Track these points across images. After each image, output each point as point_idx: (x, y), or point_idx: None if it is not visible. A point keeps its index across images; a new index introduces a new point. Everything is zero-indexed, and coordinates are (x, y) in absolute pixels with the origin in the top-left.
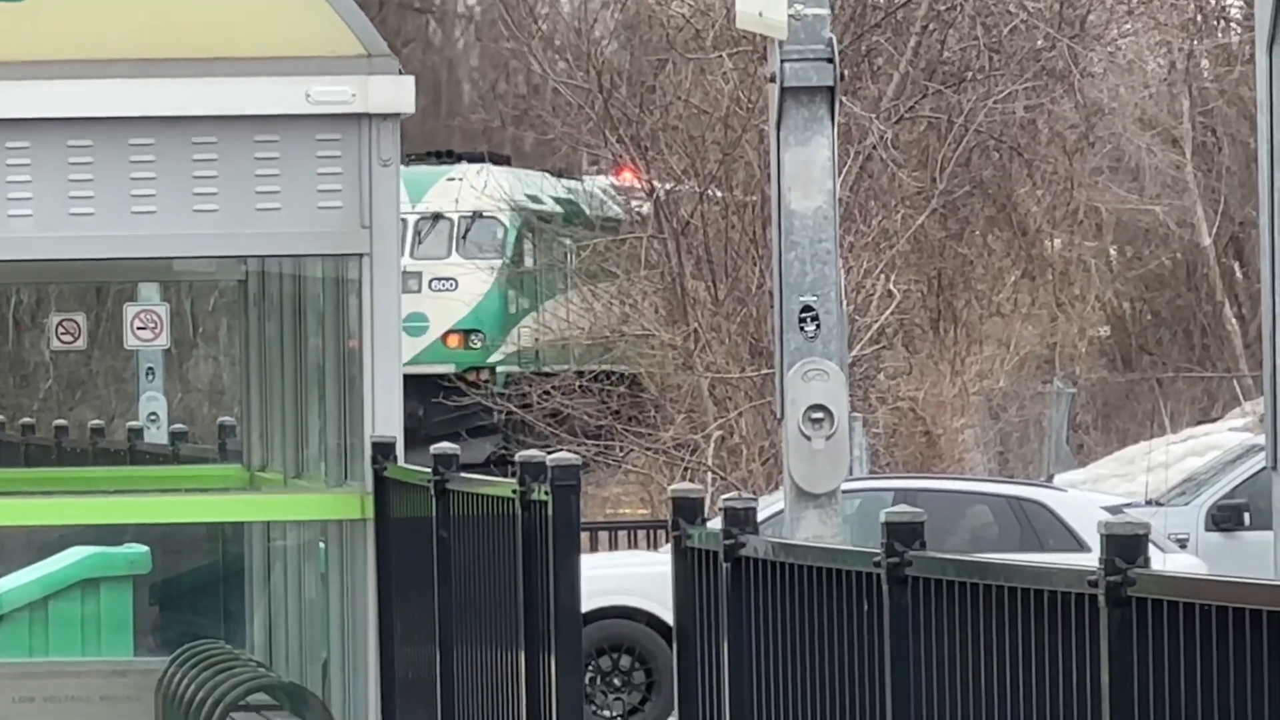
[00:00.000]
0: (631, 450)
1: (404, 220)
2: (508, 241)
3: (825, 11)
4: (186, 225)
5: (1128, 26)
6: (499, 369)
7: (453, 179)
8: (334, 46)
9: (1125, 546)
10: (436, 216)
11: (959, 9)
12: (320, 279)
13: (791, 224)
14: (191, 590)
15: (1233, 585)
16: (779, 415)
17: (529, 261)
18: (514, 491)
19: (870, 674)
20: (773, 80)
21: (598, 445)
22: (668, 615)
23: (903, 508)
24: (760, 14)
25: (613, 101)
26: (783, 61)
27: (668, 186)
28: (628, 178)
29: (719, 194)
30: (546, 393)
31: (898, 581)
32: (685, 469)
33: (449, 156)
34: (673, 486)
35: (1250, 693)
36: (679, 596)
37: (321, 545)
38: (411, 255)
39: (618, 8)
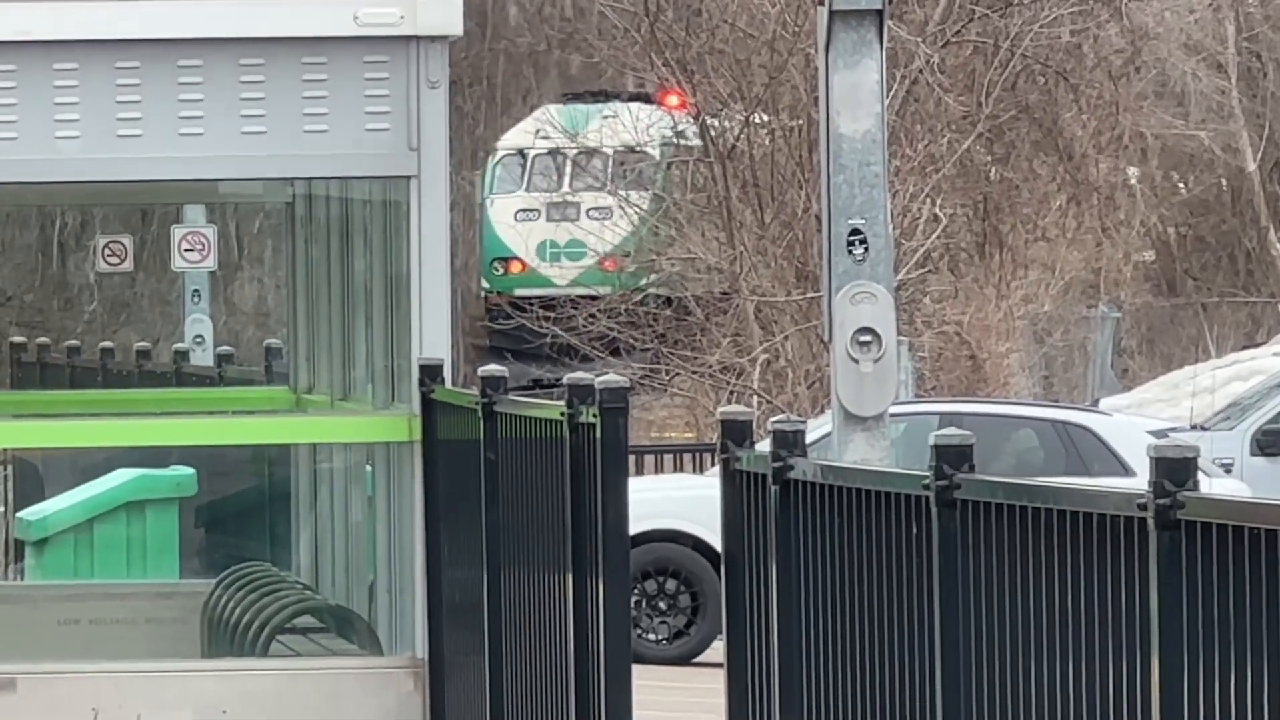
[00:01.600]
0: (678, 374)
1: (564, 154)
2: (657, 175)
3: None
4: (234, 147)
5: None
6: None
7: (608, 115)
8: None
9: (1174, 469)
10: (594, 151)
11: None
12: (368, 201)
13: (840, 147)
14: (237, 513)
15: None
16: (826, 338)
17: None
18: (562, 414)
19: (918, 597)
20: (821, 3)
21: (644, 368)
22: (714, 539)
23: (951, 430)
24: None
25: (658, 25)
26: None
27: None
28: (673, 101)
29: (765, 118)
30: (593, 315)
31: (946, 504)
32: (731, 393)
33: (604, 96)
34: (721, 409)
35: None
36: (727, 519)
37: (369, 468)
38: (569, 186)
39: None
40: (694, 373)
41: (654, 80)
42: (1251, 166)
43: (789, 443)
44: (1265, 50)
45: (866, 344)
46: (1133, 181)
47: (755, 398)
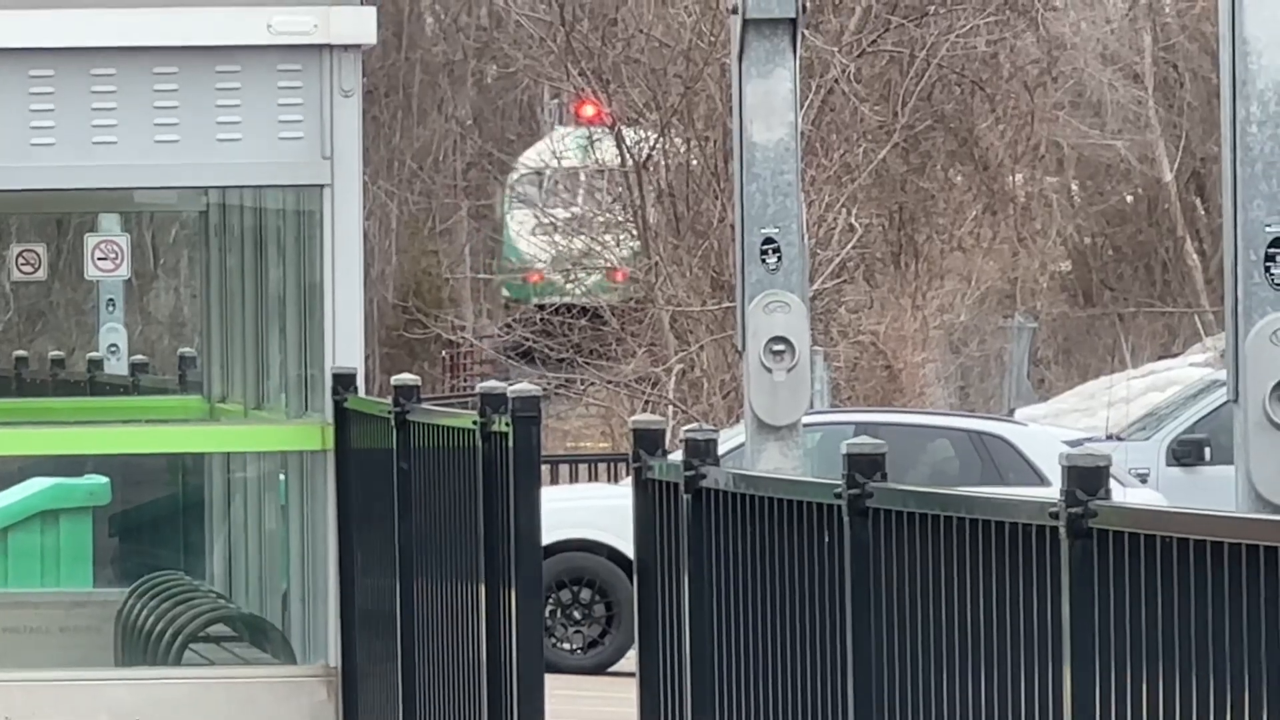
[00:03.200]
0: (592, 384)
1: (578, 170)
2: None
3: None
4: (147, 156)
5: None
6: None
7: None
8: None
9: (1086, 478)
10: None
11: None
12: (281, 210)
13: (753, 156)
14: (151, 522)
15: (1192, 517)
16: (740, 347)
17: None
18: (475, 423)
19: (831, 606)
20: (735, 12)
21: (559, 378)
22: (628, 548)
23: (864, 439)
24: None
25: (574, 34)
26: None
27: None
28: (589, 111)
29: (681, 127)
30: (508, 325)
31: (859, 513)
32: (646, 402)
33: None
34: (634, 418)
35: (1210, 624)
36: (639, 529)
37: (281, 477)
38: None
39: None
40: (609, 383)
41: (569, 90)
42: (1168, 177)
43: (701, 452)
44: (1182, 61)
45: (780, 353)
46: (1049, 192)
47: (670, 407)
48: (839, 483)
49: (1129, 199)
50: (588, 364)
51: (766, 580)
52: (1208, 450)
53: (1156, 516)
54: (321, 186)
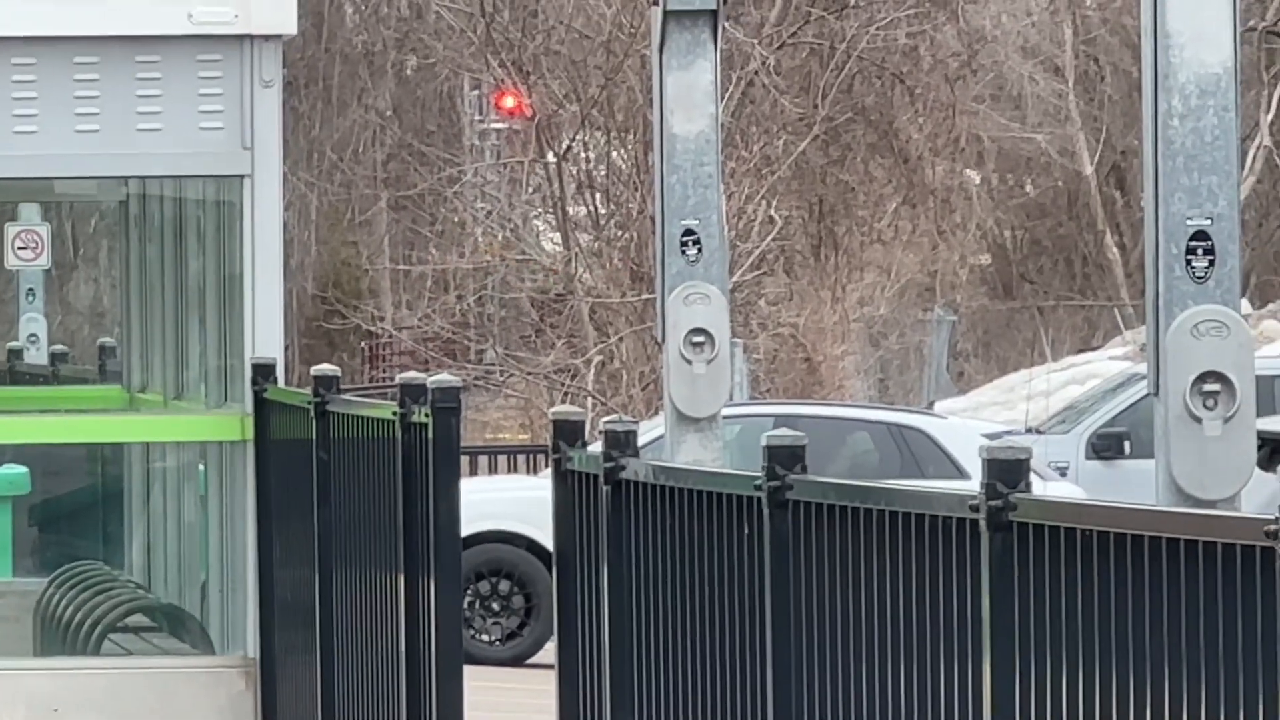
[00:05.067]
0: (511, 375)
1: None
2: None
3: None
4: (67, 145)
5: None
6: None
7: None
8: None
9: (1006, 471)
10: None
11: None
12: (201, 200)
13: (674, 147)
14: (71, 512)
15: (1112, 510)
16: (660, 339)
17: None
18: (394, 414)
19: (751, 598)
20: (656, 3)
21: (479, 369)
22: (547, 540)
23: (784, 431)
24: None
25: (494, 26)
26: None
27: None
28: (509, 102)
29: (601, 119)
30: (428, 316)
31: (779, 505)
32: (565, 394)
33: None
34: (553, 409)
35: (1130, 617)
36: (559, 520)
37: (201, 467)
38: None
39: None
40: (528, 374)
41: (490, 82)
42: (1088, 170)
43: (621, 443)
44: (1103, 54)
45: (700, 345)
46: (969, 185)
47: (589, 399)
48: (759, 475)
49: (1049, 192)
50: (507, 355)
51: (686, 572)
52: (1127, 444)
53: (1077, 509)
54: (242, 177)
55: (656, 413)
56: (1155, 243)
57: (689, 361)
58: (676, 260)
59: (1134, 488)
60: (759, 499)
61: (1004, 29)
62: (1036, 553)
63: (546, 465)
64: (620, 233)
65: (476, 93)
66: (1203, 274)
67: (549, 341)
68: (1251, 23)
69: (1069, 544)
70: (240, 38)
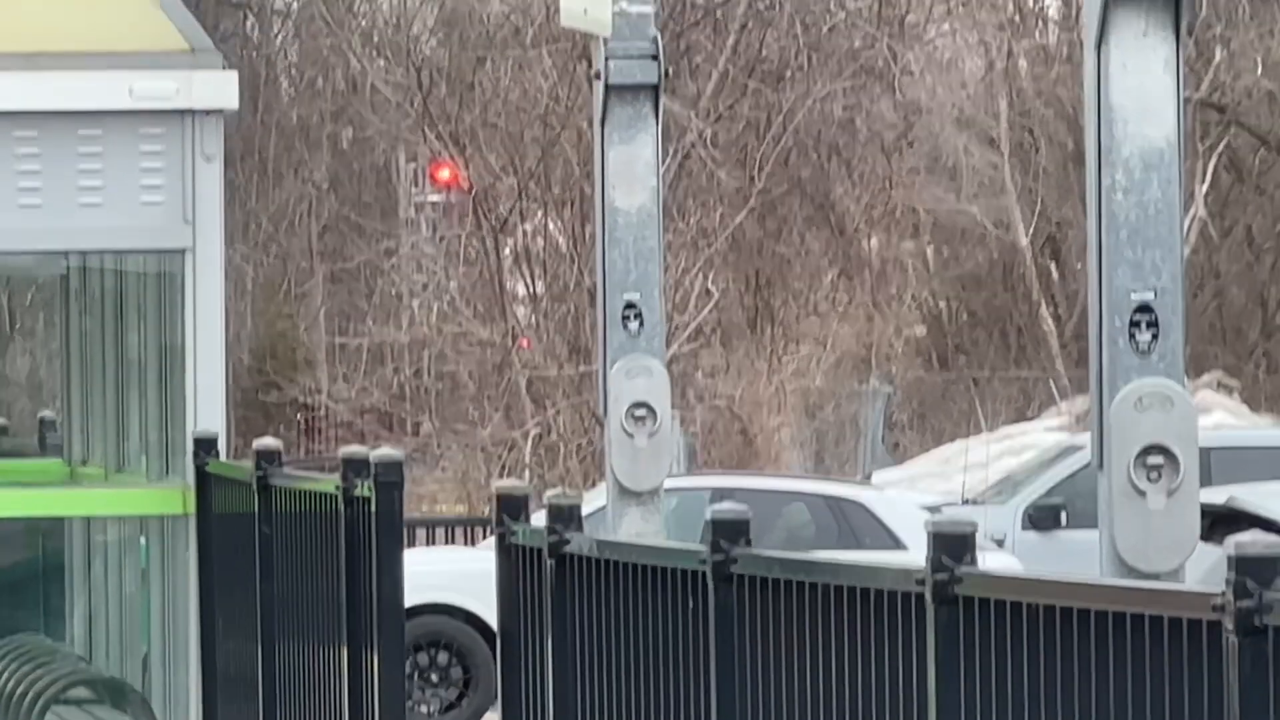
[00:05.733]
0: (449, 448)
1: None
2: None
3: (650, 9)
4: (9, 219)
5: (946, 26)
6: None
7: None
8: (158, 41)
9: (952, 545)
10: None
11: (778, 7)
12: (142, 274)
13: (615, 221)
14: (10, 584)
15: (1059, 584)
16: (602, 412)
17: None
18: (337, 487)
19: (696, 672)
20: (597, 77)
21: (416, 441)
22: (485, 612)
23: (728, 505)
24: (585, 11)
25: (431, 99)
26: (607, 59)
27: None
28: (444, 174)
29: (538, 191)
30: (365, 389)
31: (723, 579)
32: (503, 466)
33: None
34: (497, 483)
35: (1077, 691)
36: (503, 594)
37: (142, 541)
38: None
39: (436, 4)
40: (466, 446)
41: (425, 154)
42: (1023, 241)
43: (565, 517)
44: (1038, 125)
45: (641, 419)
46: (905, 256)
47: (527, 471)
48: (703, 549)
49: (984, 263)
50: (445, 427)
51: (631, 647)
52: (1063, 515)
53: (1023, 584)
54: (183, 251)
55: (594, 485)
56: (1099, 315)
57: (630, 435)
58: (618, 334)
59: (1071, 559)
60: (704, 573)
61: (939, 101)
62: (983, 627)
63: (484, 537)
64: (557, 305)
65: (413, 165)
66: (1146, 347)
67: (486, 414)
68: (1186, 94)
69: (1015, 618)
70: (182, 112)
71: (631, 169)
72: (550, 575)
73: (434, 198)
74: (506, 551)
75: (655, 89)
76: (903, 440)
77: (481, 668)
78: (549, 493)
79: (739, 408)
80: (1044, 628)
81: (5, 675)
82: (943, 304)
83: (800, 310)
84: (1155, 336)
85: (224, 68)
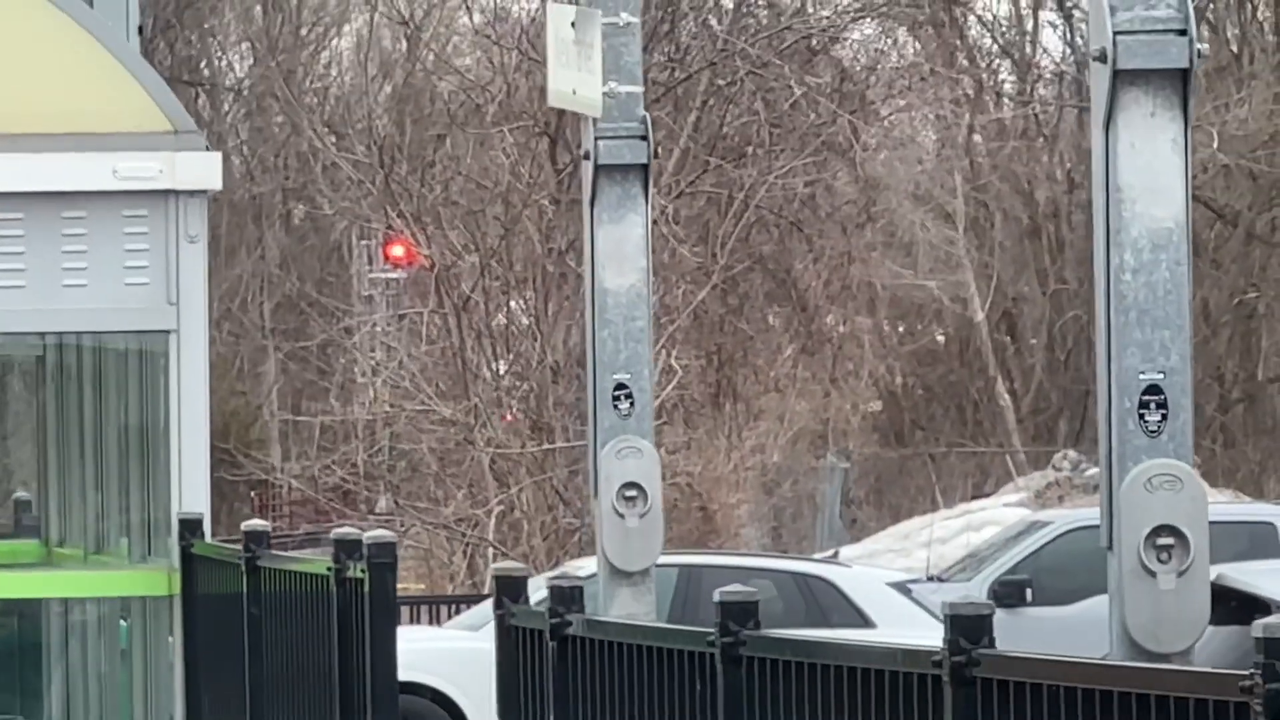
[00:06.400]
0: (413, 525)
1: None
2: None
3: (639, 89)
4: None
5: (903, 102)
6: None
7: None
8: (141, 122)
9: (969, 627)
10: None
11: (739, 84)
12: (123, 353)
13: (605, 301)
14: None
15: (1075, 666)
16: (593, 493)
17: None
18: (329, 569)
19: None
20: (586, 157)
21: (376, 520)
22: (452, 691)
23: (736, 587)
24: (574, 92)
25: (393, 176)
26: (597, 139)
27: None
28: (398, 251)
29: (499, 269)
30: (328, 467)
31: (732, 661)
32: (466, 544)
33: None
34: (495, 565)
35: None
36: (502, 675)
37: (124, 623)
38: None
39: (387, 82)
40: (428, 524)
41: (381, 231)
42: (980, 316)
43: (567, 598)
44: (993, 200)
45: (632, 499)
46: (861, 332)
47: (490, 549)
48: (711, 631)
49: (940, 339)
50: (408, 505)
51: None
52: (1029, 591)
53: (1040, 665)
54: (168, 332)
55: (557, 563)
56: (1108, 396)
57: (622, 515)
58: (608, 414)
59: (1035, 635)
60: (712, 655)
61: (896, 176)
62: (1001, 708)
63: (450, 616)
64: (519, 383)
65: (365, 243)
66: (1155, 428)
67: (449, 492)
68: None
69: (1035, 701)
70: (165, 193)
71: (621, 249)
72: (552, 656)
73: (389, 275)
74: (507, 633)
75: (645, 169)
76: (860, 515)
77: None
78: (550, 575)
79: (699, 485)
80: (1065, 711)
81: None
82: (899, 380)
83: (760, 386)
84: (1164, 417)
85: (207, 149)
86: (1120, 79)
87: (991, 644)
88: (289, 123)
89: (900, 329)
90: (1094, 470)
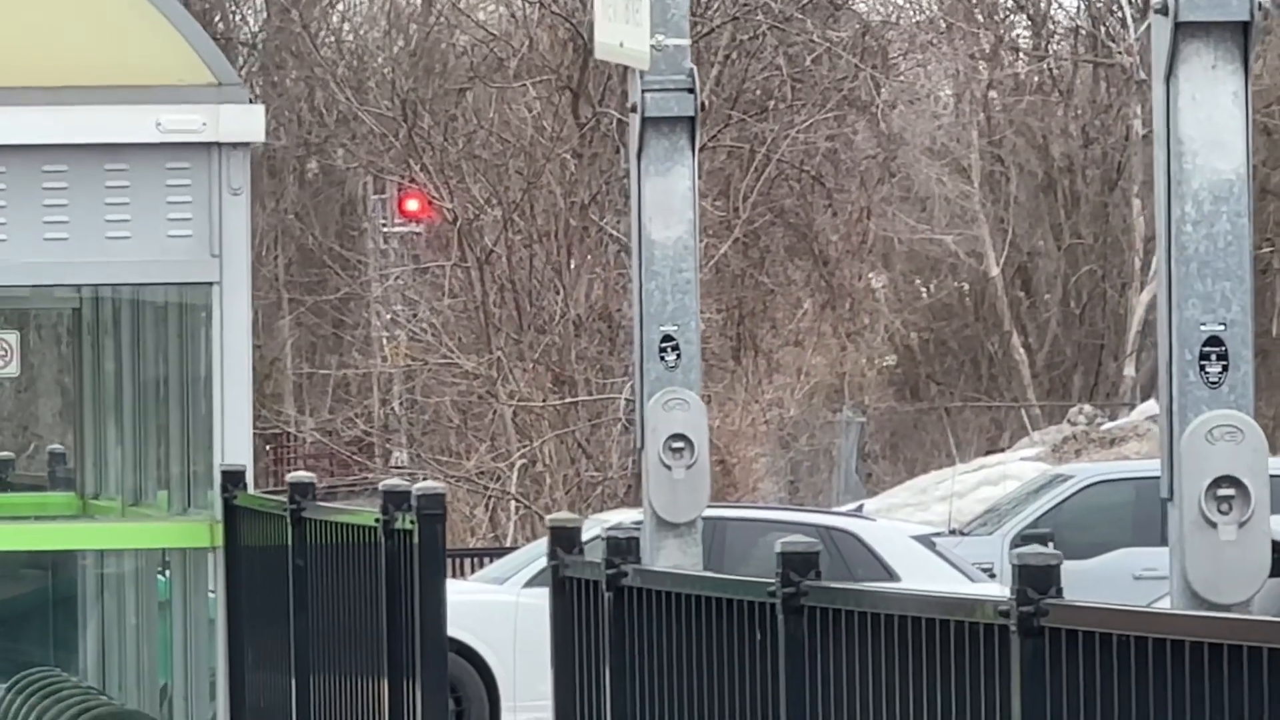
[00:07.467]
0: (433, 479)
1: None
2: None
3: (686, 42)
4: (36, 254)
5: (921, 55)
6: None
7: None
8: (184, 75)
9: (1037, 577)
10: None
11: (761, 39)
12: (163, 305)
13: (652, 254)
14: (24, 617)
15: (1142, 616)
16: (639, 445)
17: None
18: (377, 520)
19: (764, 707)
20: (634, 110)
21: (397, 473)
22: (476, 643)
23: (797, 538)
24: (621, 44)
25: (416, 130)
26: (644, 92)
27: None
28: (413, 205)
29: (521, 223)
30: (350, 419)
31: (794, 611)
32: (488, 497)
33: None
34: (550, 516)
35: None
36: (557, 627)
37: (165, 575)
38: None
39: (400, 36)
40: (450, 477)
41: (394, 185)
42: (995, 271)
43: (622, 549)
44: (1008, 155)
45: (679, 450)
46: (877, 285)
47: (513, 503)
48: (772, 581)
49: (955, 293)
50: (430, 459)
51: (694, 680)
52: (1051, 545)
53: (1108, 615)
54: (210, 284)
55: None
56: (1169, 348)
57: (668, 467)
58: (655, 366)
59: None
60: (773, 605)
61: (911, 131)
62: (1070, 658)
63: (473, 569)
64: (541, 336)
65: (379, 197)
66: (1216, 379)
67: (471, 445)
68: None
69: (1104, 649)
70: (208, 145)
71: (668, 201)
72: (608, 608)
73: (405, 228)
74: (560, 585)
75: (691, 121)
76: (875, 470)
77: (473, 701)
78: (606, 527)
79: (718, 438)
80: (1135, 657)
81: (26, 710)
82: (915, 335)
83: (780, 341)
84: (1225, 369)
85: (250, 102)
86: (1181, 31)
87: (1059, 594)
88: (303, 78)
89: (916, 283)
90: (1110, 424)
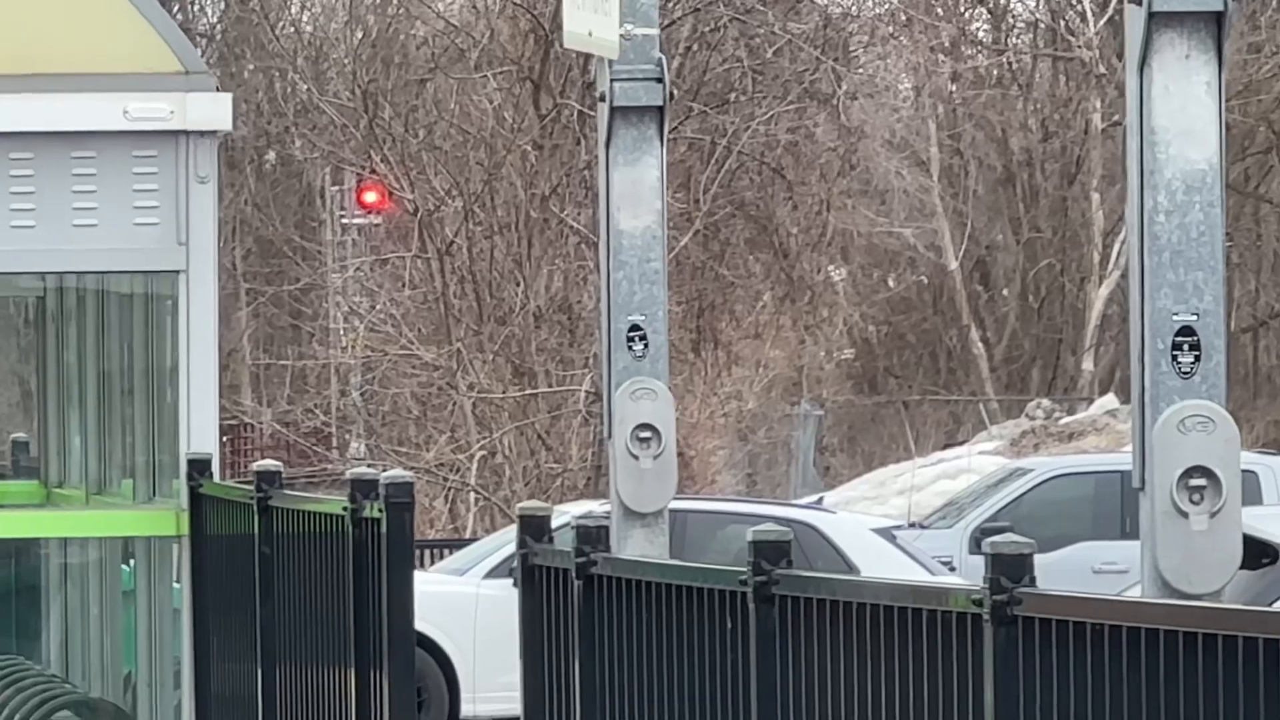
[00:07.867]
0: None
1: None
2: None
3: (655, 31)
4: (2, 241)
5: (879, 50)
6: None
7: None
8: (152, 63)
9: (1010, 566)
10: None
11: (723, 30)
12: (129, 294)
13: (620, 243)
14: None
15: (1115, 604)
16: (606, 434)
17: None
18: (344, 509)
19: (734, 696)
20: (603, 99)
21: (355, 463)
22: (435, 634)
23: (769, 527)
24: (590, 34)
25: (376, 121)
26: (612, 81)
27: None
28: (371, 197)
29: (482, 214)
30: (310, 410)
31: (765, 600)
32: (448, 489)
33: None
34: (520, 505)
35: (1144, 712)
36: (526, 615)
37: (129, 563)
38: None
39: (358, 27)
40: (410, 468)
41: (352, 177)
42: (953, 264)
43: (592, 538)
44: (967, 148)
45: (646, 440)
46: (835, 279)
47: (473, 494)
48: (744, 569)
49: (914, 287)
50: (389, 450)
51: (663, 668)
52: None
53: (1081, 604)
54: (177, 272)
55: None
56: (1141, 338)
57: (635, 457)
58: (623, 356)
59: None
60: (744, 594)
61: (871, 124)
62: (1042, 647)
63: (432, 561)
64: (501, 328)
65: (337, 188)
66: (1189, 369)
67: (431, 436)
68: (1116, 117)
69: (1077, 638)
70: (176, 133)
71: (636, 191)
72: (577, 597)
73: (363, 220)
74: (530, 573)
75: (660, 110)
76: (833, 463)
77: (433, 691)
78: (576, 516)
79: (676, 430)
80: (1109, 646)
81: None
82: (873, 328)
83: (739, 333)
84: (1197, 359)
85: (216, 90)
86: (1155, 21)
87: (1033, 583)
88: (262, 68)
89: (875, 276)
90: (1068, 418)
